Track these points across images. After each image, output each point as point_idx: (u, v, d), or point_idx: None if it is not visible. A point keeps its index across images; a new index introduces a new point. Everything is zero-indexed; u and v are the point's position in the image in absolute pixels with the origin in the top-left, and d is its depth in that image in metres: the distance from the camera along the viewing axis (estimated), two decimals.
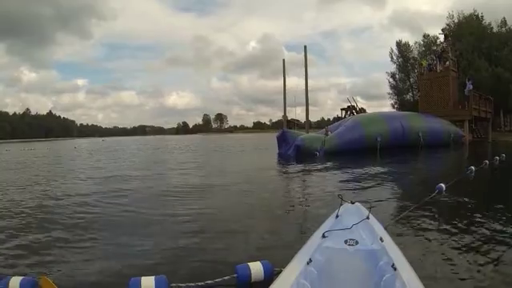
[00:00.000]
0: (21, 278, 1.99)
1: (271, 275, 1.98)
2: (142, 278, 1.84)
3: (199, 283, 1.89)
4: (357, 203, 2.35)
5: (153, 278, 1.85)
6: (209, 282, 1.92)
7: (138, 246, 2.76)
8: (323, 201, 4.51)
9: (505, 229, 3.06)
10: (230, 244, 2.79)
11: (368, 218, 2.05)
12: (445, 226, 3.21)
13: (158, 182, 6.81)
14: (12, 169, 10.56)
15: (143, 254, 2.57)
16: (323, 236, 1.88)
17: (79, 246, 2.85)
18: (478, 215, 3.62)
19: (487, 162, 7.91)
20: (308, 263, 1.64)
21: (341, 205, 2.26)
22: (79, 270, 2.36)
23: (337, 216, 2.16)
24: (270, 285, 1.89)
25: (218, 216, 3.92)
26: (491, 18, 31.22)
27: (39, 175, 8.35)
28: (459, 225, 3.23)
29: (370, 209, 2.15)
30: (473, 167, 6.80)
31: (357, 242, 1.83)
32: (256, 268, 1.97)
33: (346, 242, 1.83)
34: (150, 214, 3.93)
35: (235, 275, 1.96)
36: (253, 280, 1.96)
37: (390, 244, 1.79)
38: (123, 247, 2.79)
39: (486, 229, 3.08)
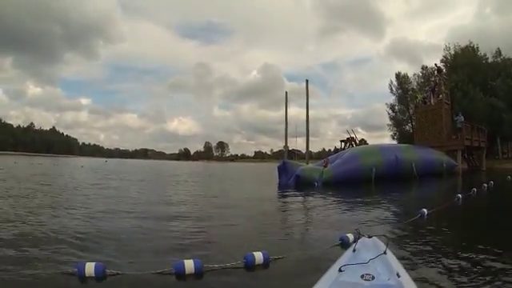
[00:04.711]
0: (94, 263, 2.50)
1: (268, 262, 2.85)
2: (185, 260, 2.60)
3: (221, 265, 2.70)
4: (374, 237, 2.35)
5: (192, 260, 2.61)
6: (228, 264, 2.72)
7: None
8: (326, 224, 4.90)
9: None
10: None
11: (385, 252, 2.05)
12: (433, 251, 3.34)
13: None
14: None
15: None
16: (340, 270, 1.90)
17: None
18: (470, 243, 3.70)
19: (475, 189, 8.34)
20: None
21: (358, 239, 2.28)
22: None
23: (354, 250, 2.18)
24: (267, 268, 2.79)
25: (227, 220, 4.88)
26: (486, 49, 32.30)
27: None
28: (448, 249, 3.35)
29: (387, 243, 2.14)
30: (460, 195, 7.07)
31: (373, 277, 1.82)
32: (258, 256, 2.82)
33: (362, 276, 1.83)
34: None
35: (244, 260, 2.80)
36: (256, 264, 2.79)
37: (406, 280, 1.78)
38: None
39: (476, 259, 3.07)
